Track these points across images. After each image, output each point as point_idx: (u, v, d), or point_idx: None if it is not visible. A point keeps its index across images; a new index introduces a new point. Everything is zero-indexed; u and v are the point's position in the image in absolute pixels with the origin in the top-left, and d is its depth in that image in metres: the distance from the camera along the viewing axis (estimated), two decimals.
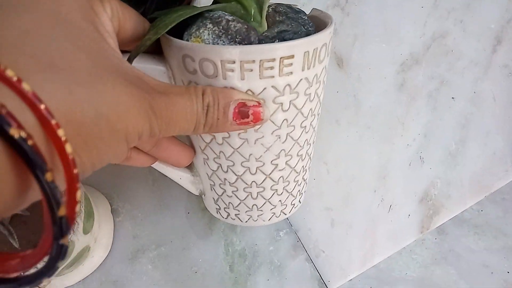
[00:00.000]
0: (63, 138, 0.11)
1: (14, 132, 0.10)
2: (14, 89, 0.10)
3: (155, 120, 0.15)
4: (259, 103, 0.19)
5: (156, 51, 0.21)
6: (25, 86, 0.10)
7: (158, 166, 0.26)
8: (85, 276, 0.32)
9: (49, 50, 0.13)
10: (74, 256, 0.28)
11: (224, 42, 0.19)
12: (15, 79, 0.10)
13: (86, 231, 0.29)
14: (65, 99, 0.12)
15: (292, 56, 0.18)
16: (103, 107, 0.13)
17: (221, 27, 0.19)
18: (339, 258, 0.34)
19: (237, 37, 0.19)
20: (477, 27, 0.42)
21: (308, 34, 0.21)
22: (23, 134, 0.10)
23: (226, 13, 0.19)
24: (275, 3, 0.22)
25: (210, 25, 0.19)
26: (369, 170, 0.37)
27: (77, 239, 0.28)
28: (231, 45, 0.19)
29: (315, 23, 0.23)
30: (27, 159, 0.10)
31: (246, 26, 0.19)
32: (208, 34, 0.19)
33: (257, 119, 0.19)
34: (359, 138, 0.38)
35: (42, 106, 0.11)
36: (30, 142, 0.10)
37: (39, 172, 0.10)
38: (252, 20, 0.20)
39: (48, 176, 0.10)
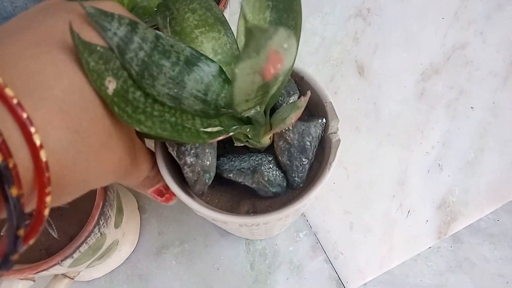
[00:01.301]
0: (47, 175, 0.12)
1: None
2: (27, 140, 0.12)
3: (120, 181, 0.19)
4: (175, 195, 0.23)
5: None
6: (36, 138, 0.12)
7: None
8: (112, 269, 0.34)
9: (81, 115, 0.14)
10: (105, 248, 0.30)
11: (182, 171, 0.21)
12: (33, 130, 0.12)
13: (116, 225, 0.30)
14: (67, 156, 0.14)
15: (225, 223, 0.22)
16: (90, 173, 0.15)
17: (181, 162, 0.21)
18: (357, 260, 0.35)
19: (186, 179, 0.21)
20: (496, 39, 0.43)
21: (275, 194, 0.23)
22: (10, 163, 0.11)
23: (197, 151, 0.21)
24: (297, 125, 0.22)
25: (185, 157, 0.21)
26: (388, 176, 0.38)
27: (109, 232, 0.29)
28: (180, 187, 0.21)
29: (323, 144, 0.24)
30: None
31: (195, 178, 0.21)
32: (175, 155, 0.21)
33: (167, 202, 0.24)
34: (379, 144, 0.39)
35: (44, 159, 0.12)
36: (10, 165, 0.11)
37: (6, 186, 0.11)
38: (250, 138, 0.21)
39: (14, 191, 0.11)
